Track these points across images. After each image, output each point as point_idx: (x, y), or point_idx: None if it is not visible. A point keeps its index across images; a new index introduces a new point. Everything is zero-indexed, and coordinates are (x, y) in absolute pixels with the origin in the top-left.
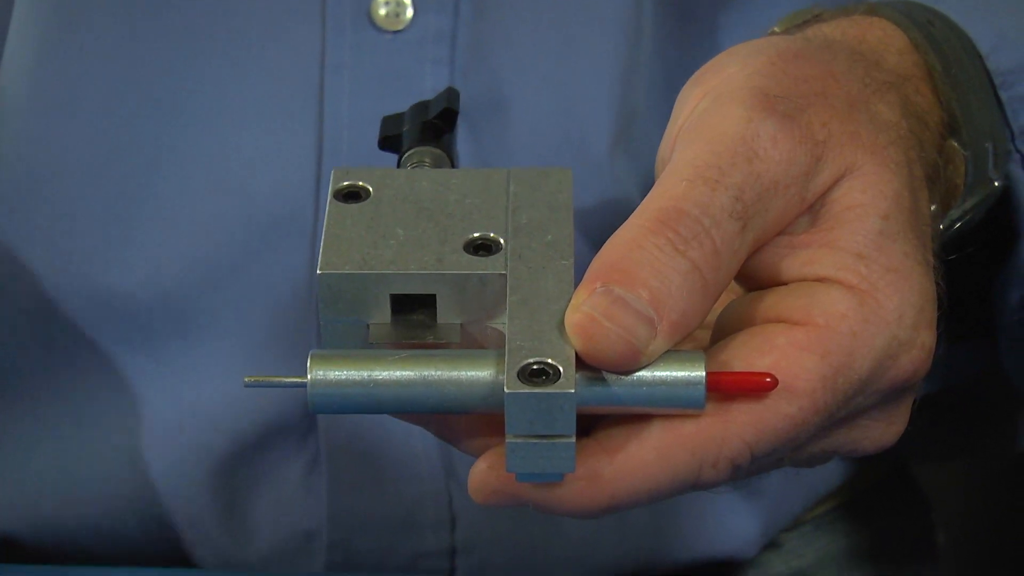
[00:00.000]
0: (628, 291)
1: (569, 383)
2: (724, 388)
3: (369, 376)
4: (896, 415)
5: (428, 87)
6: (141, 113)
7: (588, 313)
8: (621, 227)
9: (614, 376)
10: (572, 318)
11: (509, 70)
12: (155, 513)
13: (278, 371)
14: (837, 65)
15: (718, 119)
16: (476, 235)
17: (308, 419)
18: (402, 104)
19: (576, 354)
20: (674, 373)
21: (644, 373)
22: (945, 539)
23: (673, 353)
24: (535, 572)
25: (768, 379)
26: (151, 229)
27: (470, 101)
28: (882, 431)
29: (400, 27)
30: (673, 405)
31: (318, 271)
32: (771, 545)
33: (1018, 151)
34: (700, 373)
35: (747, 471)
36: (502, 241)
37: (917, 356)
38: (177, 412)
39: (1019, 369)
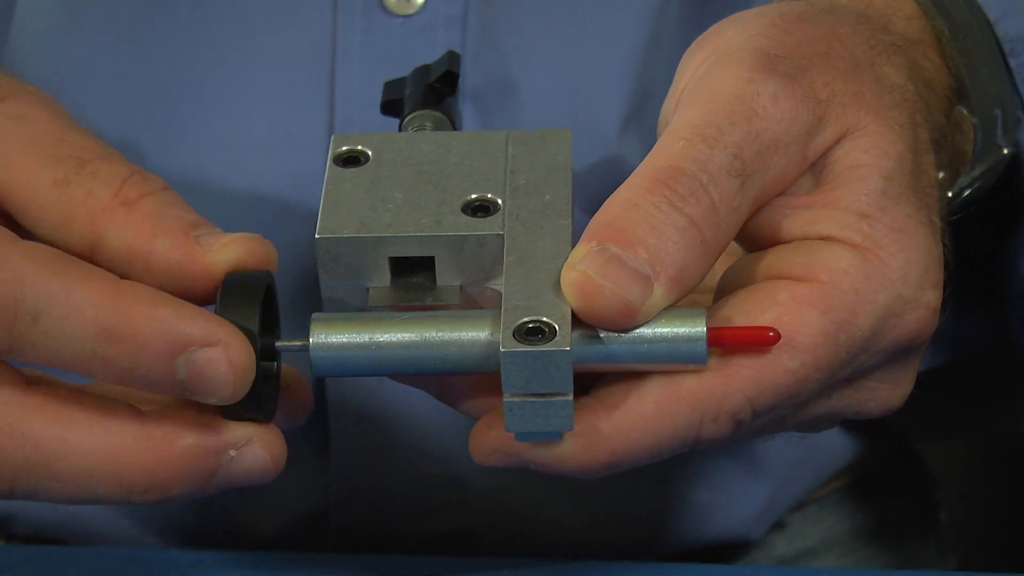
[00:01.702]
0: (624, 249)
1: (565, 340)
2: (726, 343)
3: (371, 339)
4: (902, 377)
5: None
6: (152, 96)
7: (583, 271)
8: (619, 187)
9: (613, 334)
10: (568, 276)
11: (519, 54)
12: None
13: (285, 353)
14: (842, 27)
15: (717, 80)
16: (474, 196)
17: (316, 400)
18: None
19: (572, 312)
20: (675, 329)
21: (645, 330)
22: (949, 518)
23: (674, 309)
24: (543, 553)
25: (771, 333)
26: None
27: (480, 85)
28: (887, 393)
29: (411, 11)
30: (675, 361)
31: (316, 235)
32: (776, 526)
33: None
34: (701, 329)
35: (749, 427)
36: (500, 202)
37: (922, 315)
38: None
39: None
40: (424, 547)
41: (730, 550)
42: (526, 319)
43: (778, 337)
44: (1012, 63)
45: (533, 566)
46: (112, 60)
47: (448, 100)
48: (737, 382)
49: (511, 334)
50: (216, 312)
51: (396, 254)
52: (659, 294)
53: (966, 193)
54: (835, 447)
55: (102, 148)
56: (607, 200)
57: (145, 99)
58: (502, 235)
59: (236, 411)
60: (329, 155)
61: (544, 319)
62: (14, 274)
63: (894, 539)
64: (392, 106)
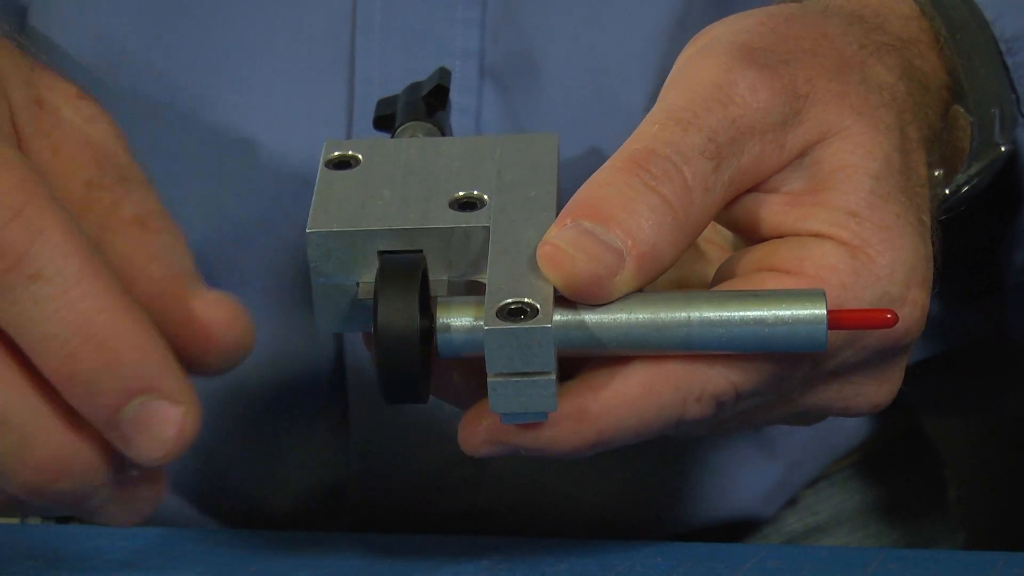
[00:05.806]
0: (596, 224)
1: (547, 318)
2: (845, 325)
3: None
4: (889, 374)
5: (458, 48)
6: (172, 73)
7: (554, 243)
8: (596, 171)
9: (724, 315)
10: (541, 250)
11: (540, 30)
12: (180, 465)
13: (307, 328)
14: (831, 27)
15: (696, 69)
16: (461, 194)
17: (336, 376)
18: (432, 64)
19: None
20: (794, 312)
21: (761, 312)
22: (958, 496)
23: (787, 291)
24: (559, 530)
25: (889, 315)
26: (182, 188)
27: (501, 62)
28: (874, 389)
29: None
30: (791, 347)
31: (307, 230)
32: (787, 502)
33: None
34: (821, 311)
35: (732, 412)
36: (486, 197)
37: (909, 314)
38: None
39: None
40: (440, 524)
41: (742, 528)
42: (508, 300)
43: (896, 319)
44: (1009, 61)
45: (546, 546)
46: (132, 38)
47: (439, 114)
48: (721, 366)
49: (494, 314)
50: (375, 295)
51: (385, 248)
52: (630, 270)
53: (963, 190)
54: (847, 427)
55: (145, 178)
56: (584, 183)
57: (164, 77)
58: (487, 227)
59: (393, 396)
60: (321, 159)
61: (526, 300)
62: (39, 227)
63: (903, 516)
64: (384, 121)
